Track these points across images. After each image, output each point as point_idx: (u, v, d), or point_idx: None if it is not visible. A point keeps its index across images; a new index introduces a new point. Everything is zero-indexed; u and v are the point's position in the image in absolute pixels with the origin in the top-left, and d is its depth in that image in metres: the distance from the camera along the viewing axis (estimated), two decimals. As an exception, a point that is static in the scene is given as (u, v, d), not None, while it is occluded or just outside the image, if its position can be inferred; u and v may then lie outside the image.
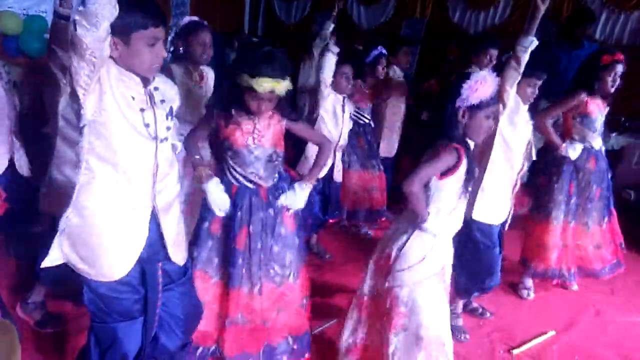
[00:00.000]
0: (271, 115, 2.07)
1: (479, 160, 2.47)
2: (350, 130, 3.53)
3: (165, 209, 1.69)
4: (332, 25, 3.89)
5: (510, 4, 5.67)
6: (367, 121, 3.91)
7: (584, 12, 4.81)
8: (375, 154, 3.98)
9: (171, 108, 1.70)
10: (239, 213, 2.07)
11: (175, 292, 1.79)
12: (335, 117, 3.27)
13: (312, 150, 3.07)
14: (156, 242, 1.69)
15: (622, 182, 4.61)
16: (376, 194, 3.93)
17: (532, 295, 3.19)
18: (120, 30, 1.42)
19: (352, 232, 4.09)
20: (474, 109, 1.88)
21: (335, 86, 3.23)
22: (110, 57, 1.47)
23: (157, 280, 1.72)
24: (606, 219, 3.20)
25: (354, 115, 3.76)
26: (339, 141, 3.31)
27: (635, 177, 4.71)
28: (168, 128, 1.67)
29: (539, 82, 2.67)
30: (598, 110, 3.03)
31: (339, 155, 3.39)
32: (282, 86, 1.93)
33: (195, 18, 2.86)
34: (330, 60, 3.08)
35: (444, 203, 1.95)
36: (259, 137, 2.04)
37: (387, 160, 4.32)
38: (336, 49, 3.08)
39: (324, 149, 2.26)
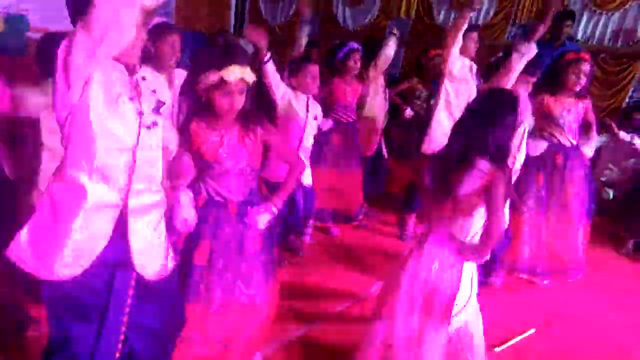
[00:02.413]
0: (250, 129, 1.95)
1: None
2: (329, 128, 3.49)
3: (138, 211, 1.60)
4: (308, 28, 3.84)
5: (494, 5, 5.72)
6: (349, 120, 3.89)
7: (566, 12, 4.89)
8: (352, 154, 3.91)
9: (159, 102, 1.63)
10: (203, 226, 1.96)
11: (151, 304, 1.70)
12: (300, 120, 3.17)
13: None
14: (128, 248, 1.60)
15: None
16: (347, 194, 3.88)
17: (499, 282, 3.21)
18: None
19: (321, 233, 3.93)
20: None
21: (301, 86, 3.16)
22: None
23: (126, 288, 1.63)
24: (581, 222, 3.24)
25: (336, 115, 3.76)
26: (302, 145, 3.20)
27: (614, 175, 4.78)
28: (154, 123, 1.60)
29: (532, 80, 2.71)
30: (561, 108, 3.08)
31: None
32: (249, 73, 1.86)
33: (164, 19, 2.82)
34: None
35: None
36: (229, 149, 1.94)
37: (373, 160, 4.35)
38: None
39: (294, 170, 2.11)
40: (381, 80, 4.32)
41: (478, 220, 1.84)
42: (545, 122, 3.11)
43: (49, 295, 1.59)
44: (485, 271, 2.99)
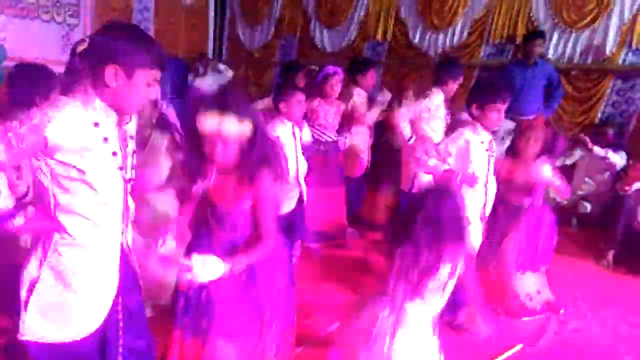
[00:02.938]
0: (245, 179, 1.82)
1: None
2: (310, 148, 3.50)
3: (130, 245, 1.68)
4: None
5: (468, 25, 5.87)
6: (329, 139, 3.92)
7: (536, 32, 5.05)
8: (334, 173, 3.93)
9: (135, 142, 1.65)
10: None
11: (136, 325, 1.73)
12: (287, 146, 3.12)
13: None
14: (124, 279, 1.65)
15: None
16: (329, 213, 3.89)
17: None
18: (127, 63, 1.43)
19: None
20: None
21: (288, 112, 3.16)
22: (93, 88, 1.46)
23: (117, 316, 1.65)
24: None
25: (315, 134, 3.79)
26: (298, 169, 3.24)
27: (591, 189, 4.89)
28: (133, 167, 1.63)
29: (504, 106, 2.74)
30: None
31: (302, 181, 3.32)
32: (231, 123, 1.71)
33: None
34: None
35: None
36: (217, 193, 1.87)
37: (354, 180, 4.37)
38: None
39: (262, 247, 1.87)
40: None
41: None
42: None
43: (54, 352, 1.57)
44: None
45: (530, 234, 3.14)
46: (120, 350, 1.66)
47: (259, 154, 1.80)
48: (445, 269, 1.80)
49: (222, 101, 1.74)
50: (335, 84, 3.86)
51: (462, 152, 2.77)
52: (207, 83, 6.74)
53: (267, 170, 1.82)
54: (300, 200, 3.30)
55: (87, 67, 1.46)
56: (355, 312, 1.99)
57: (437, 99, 3.78)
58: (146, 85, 1.51)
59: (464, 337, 2.86)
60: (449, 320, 2.82)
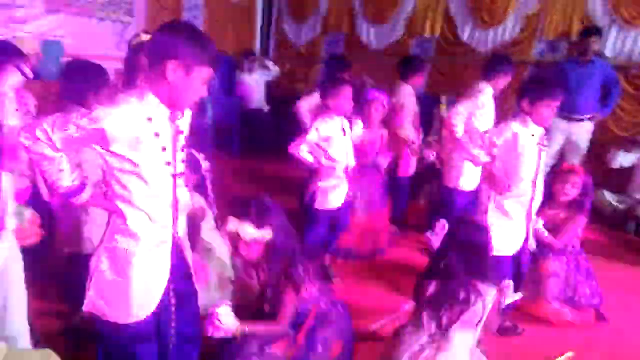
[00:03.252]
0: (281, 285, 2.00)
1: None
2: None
3: (183, 237, 1.77)
4: None
5: (519, 21, 5.70)
6: (369, 163, 3.83)
7: (591, 28, 4.84)
8: (377, 193, 3.86)
9: (185, 138, 1.71)
10: None
11: (185, 310, 1.82)
12: (336, 142, 3.20)
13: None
14: (175, 268, 1.74)
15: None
16: (375, 234, 3.85)
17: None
18: (187, 59, 1.50)
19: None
20: None
21: (335, 107, 3.16)
22: (149, 83, 1.55)
23: (170, 301, 1.75)
24: None
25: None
26: (347, 165, 3.25)
27: None
28: (183, 161, 1.70)
29: (556, 103, 2.65)
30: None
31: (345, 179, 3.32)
32: (245, 230, 1.91)
33: None
34: None
35: None
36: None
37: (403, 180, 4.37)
38: None
39: (275, 328, 2.01)
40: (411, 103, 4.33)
41: None
42: None
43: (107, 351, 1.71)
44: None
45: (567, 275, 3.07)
46: (173, 335, 1.76)
47: (280, 261, 1.97)
48: (477, 304, 1.91)
49: (245, 208, 1.95)
50: (377, 110, 3.78)
51: (509, 145, 2.69)
52: (253, 79, 6.84)
53: (290, 287, 1.97)
54: (346, 195, 3.32)
55: (146, 62, 1.56)
56: (393, 343, 2.08)
57: (488, 94, 3.72)
58: (201, 82, 1.58)
59: (510, 341, 2.81)
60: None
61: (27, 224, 1.74)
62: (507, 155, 2.71)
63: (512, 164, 2.69)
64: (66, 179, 1.57)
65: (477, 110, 3.70)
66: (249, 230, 1.92)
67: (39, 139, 1.47)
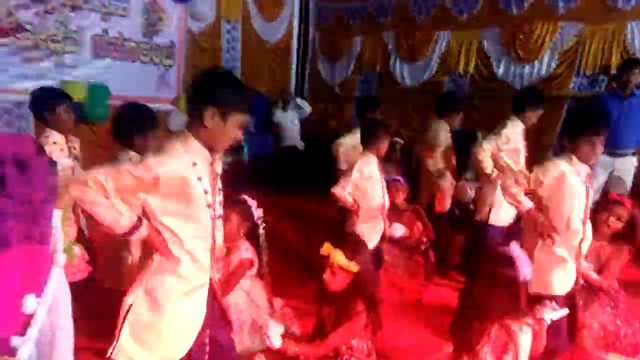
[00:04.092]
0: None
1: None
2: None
3: (217, 281, 1.79)
4: None
5: (556, 55, 5.65)
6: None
7: (633, 60, 4.74)
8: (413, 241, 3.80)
9: (219, 180, 1.78)
10: None
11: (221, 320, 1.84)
12: (374, 181, 3.27)
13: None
14: (211, 313, 1.75)
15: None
16: (410, 283, 3.78)
17: None
18: (224, 106, 1.58)
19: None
20: None
21: (375, 149, 3.26)
22: (187, 126, 1.62)
23: (205, 349, 1.75)
24: None
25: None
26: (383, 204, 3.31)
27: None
28: (220, 203, 1.75)
29: (598, 139, 2.52)
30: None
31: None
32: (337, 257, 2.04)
33: None
34: None
35: None
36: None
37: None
38: None
39: (318, 348, 2.13)
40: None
41: None
42: None
43: None
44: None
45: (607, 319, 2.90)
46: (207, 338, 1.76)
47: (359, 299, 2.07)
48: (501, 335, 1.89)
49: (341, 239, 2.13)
50: (398, 191, 3.75)
51: (556, 184, 2.57)
52: (288, 118, 6.96)
53: (363, 315, 2.06)
54: (383, 234, 3.33)
55: (187, 110, 1.64)
56: None
57: (515, 129, 3.64)
58: (237, 127, 1.64)
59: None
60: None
61: (76, 260, 1.78)
62: (554, 195, 2.58)
63: (559, 205, 2.57)
64: (125, 219, 1.59)
65: (502, 145, 3.63)
66: (338, 257, 2.03)
67: (92, 188, 1.53)
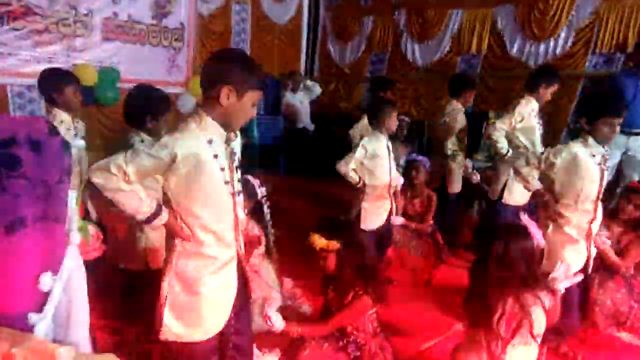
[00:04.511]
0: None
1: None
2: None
3: (242, 251, 1.83)
4: None
5: (572, 34, 5.54)
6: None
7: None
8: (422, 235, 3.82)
9: (238, 158, 1.81)
10: None
11: (242, 323, 1.90)
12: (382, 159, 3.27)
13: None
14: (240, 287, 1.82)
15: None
16: (422, 265, 3.80)
17: None
18: (239, 84, 1.61)
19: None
20: None
21: (382, 127, 3.24)
22: (202, 106, 1.65)
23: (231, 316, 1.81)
24: None
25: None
26: (390, 183, 3.30)
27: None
28: (238, 180, 1.78)
29: (617, 120, 2.51)
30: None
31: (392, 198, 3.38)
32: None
33: None
34: None
35: None
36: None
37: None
38: None
39: (321, 329, 2.22)
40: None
41: None
42: None
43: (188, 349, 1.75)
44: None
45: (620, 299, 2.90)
46: (230, 348, 1.84)
47: (350, 274, 2.15)
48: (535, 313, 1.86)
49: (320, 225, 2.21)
50: (418, 173, 3.78)
51: (568, 166, 2.58)
52: (297, 99, 6.93)
53: (366, 294, 2.13)
54: (389, 214, 3.34)
55: (202, 89, 1.65)
56: None
57: (529, 107, 3.59)
58: (251, 105, 1.67)
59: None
60: (555, 347, 2.65)
61: (91, 239, 1.82)
62: (566, 177, 2.59)
63: (570, 186, 2.57)
64: (145, 206, 1.63)
65: (517, 124, 3.60)
66: (317, 241, 2.13)
67: (114, 175, 1.56)
